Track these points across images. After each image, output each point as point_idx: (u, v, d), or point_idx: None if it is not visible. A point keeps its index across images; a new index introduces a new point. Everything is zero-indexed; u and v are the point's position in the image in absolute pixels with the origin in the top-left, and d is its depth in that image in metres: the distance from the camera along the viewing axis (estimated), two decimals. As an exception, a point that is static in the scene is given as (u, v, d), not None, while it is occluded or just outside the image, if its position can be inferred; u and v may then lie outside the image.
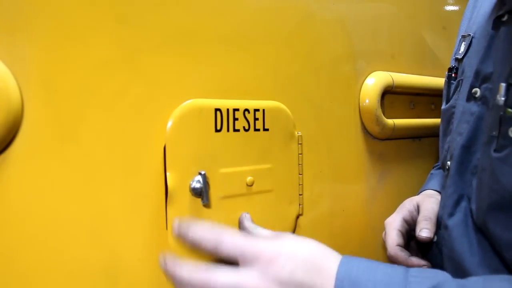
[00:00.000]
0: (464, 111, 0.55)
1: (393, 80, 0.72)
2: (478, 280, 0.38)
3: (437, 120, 0.83)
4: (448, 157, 0.58)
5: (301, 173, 0.59)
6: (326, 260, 0.41)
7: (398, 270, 0.39)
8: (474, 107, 0.53)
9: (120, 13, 0.44)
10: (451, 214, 0.55)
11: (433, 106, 0.84)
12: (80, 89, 0.42)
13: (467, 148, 0.53)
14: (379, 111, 0.70)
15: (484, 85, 0.51)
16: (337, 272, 0.39)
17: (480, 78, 0.52)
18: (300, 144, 0.59)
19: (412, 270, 0.39)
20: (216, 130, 0.50)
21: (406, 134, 0.79)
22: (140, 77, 0.46)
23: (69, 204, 0.42)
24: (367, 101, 0.69)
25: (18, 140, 0.39)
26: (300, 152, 0.59)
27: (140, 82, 0.46)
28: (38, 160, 0.40)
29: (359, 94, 0.70)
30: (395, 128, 0.73)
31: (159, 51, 0.47)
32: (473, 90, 0.53)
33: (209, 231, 0.43)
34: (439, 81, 0.82)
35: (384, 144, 0.75)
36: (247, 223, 0.51)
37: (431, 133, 0.84)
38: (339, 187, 0.67)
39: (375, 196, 0.74)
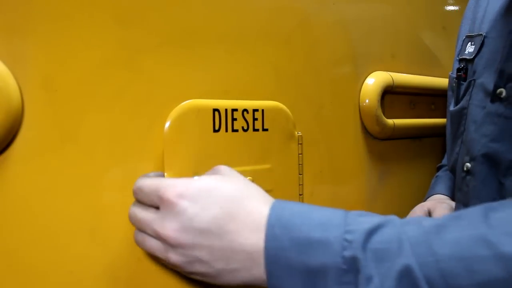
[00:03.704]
0: (488, 112, 0.54)
1: (393, 80, 0.72)
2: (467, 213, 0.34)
3: (437, 120, 0.83)
4: (467, 159, 0.58)
5: (301, 173, 0.59)
6: (251, 203, 0.38)
7: (337, 212, 0.36)
8: (500, 108, 0.52)
9: (120, 13, 0.44)
10: None
11: (433, 106, 0.84)
12: (80, 89, 0.42)
13: (497, 150, 0.52)
14: (379, 111, 0.70)
15: (510, 84, 0.51)
16: (268, 217, 0.36)
17: (505, 78, 0.51)
18: (300, 144, 0.59)
19: (352, 212, 0.37)
20: (215, 131, 0.50)
21: (406, 134, 0.79)
22: (140, 77, 0.46)
23: (69, 204, 0.42)
24: (367, 101, 0.69)
25: (18, 140, 0.39)
26: (300, 152, 0.59)
27: (140, 82, 0.46)
28: (38, 160, 0.40)
29: (359, 94, 0.70)
30: (395, 128, 0.73)
31: (159, 51, 0.47)
32: (498, 90, 0.52)
33: (143, 180, 0.41)
34: (439, 81, 0.82)
35: (384, 144, 0.75)
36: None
37: (431, 133, 0.84)
38: (339, 187, 0.67)
39: (375, 196, 0.74)
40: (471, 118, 0.57)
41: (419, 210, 0.70)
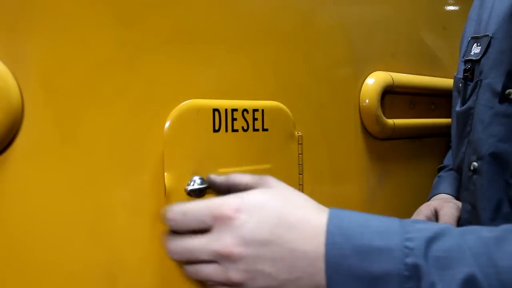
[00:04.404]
0: (496, 113, 0.54)
1: (393, 80, 0.72)
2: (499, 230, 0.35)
3: (437, 120, 0.83)
4: (474, 158, 0.58)
5: (301, 173, 0.59)
6: (307, 212, 0.38)
7: (393, 220, 0.37)
8: (509, 108, 0.52)
9: (120, 13, 0.44)
10: (492, 219, 0.54)
11: (433, 106, 0.84)
12: (80, 89, 0.42)
13: (504, 150, 0.53)
14: (379, 111, 0.69)
15: None
16: (327, 225, 0.36)
17: None
18: (300, 144, 0.59)
19: (407, 220, 0.37)
20: (214, 131, 0.50)
21: (406, 134, 0.79)
22: (140, 77, 0.46)
23: (69, 204, 0.42)
24: (367, 101, 0.69)
25: (18, 140, 0.39)
26: (300, 152, 0.59)
27: (141, 82, 0.46)
28: (38, 160, 0.40)
29: (359, 94, 0.70)
30: (395, 128, 0.73)
31: (159, 51, 0.47)
32: (507, 91, 0.53)
33: (183, 205, 0.40)
34: (439, 81, 0.82)
35: (384, 144, 0.75)
36: (213, 177, 0.45)
37: (431, 133, 0.84)
38: (339, 187, 0.67)
39: (375, 196, 0.74)
40: (478, 118, 0.58)
41: (425, 209, 0.70)
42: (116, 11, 0.44)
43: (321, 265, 0.35)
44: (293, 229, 0.37)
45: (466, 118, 0.61)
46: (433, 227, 0.36)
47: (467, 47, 0.64)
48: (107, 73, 0.44)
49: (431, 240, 0.34)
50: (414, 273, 0.33)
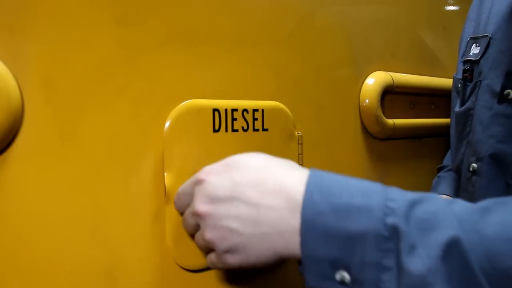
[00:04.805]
0: (495, 113, 0.54)
1: (393, 80, 0.72)
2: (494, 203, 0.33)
3: (437, 120, 0.83)
4: (473, 159, 0.58)
5: (301, 173, 0.59)
6: (282, 171, 0.37)
7: (375, 183, 0.36)
8: (508, 109, 0.52)
9: (120, 13, 0.44)
10: None
11: (433, 106, 0.84)
12: (80, 89, 0.42)
13: (504, 150, 0.53)
14: (379, 111, 0.70)
15: None
16: (306, 183, 0.35)
17: None
18: (300, 144, 0.59)
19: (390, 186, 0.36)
20: (214, 131, 0.50)
21: (406, 134, 0.79)
22: (141, 77, 0.46)
23: (69, 204, 0.42)
24: (367, 101, 0.69)
25: (18, 140, 0.39)
26: (300, 152, 0.59)
27: (141, 82, 0.46)
28: (38, 160, 0.40)
29: (359, 94, 0.70)
30: (395, 128, 0.73)
31: (159, 51, 0.47)
32: (506, 91, 0.53)
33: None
34: (439, 81, 0.82)
35: (384, 144, 0.75)
36: None
37: (431, 133, 0.84)
38: (339, 187, 0.67)
39: (375, 196, 0.74)
40: (477, 118, 0.58)
41: None
42: (116, 11, 0.44)
43: (294, 222, 0.34)
44: (261, 185, 0.37)
45: (465, 119, 0.61)
46: (417, 193, 0.34)
47: (466, 47, 0.64)
48: (107, 73, 0.44)
49: (414, 202, 0.33)
50: (393, 234, 0.32)
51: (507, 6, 0.55)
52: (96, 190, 0.43)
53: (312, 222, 0.33)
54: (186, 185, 0.43)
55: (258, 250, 0.36)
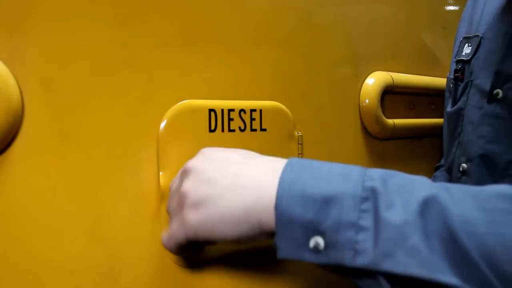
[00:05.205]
0: (485, 113, 0.54)
1: (393, 80, 0.72)
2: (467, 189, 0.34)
3: (437, 120, 0.83)
4: (463, 160, 0.58)
5: (301, 173, 0.59)
6: (263, 159, 0.38)
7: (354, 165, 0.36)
8: (497, 109, 0.52)
9: (120, 13, 0.44)
10: None
11: (433, 106, 0.84)
12: (80, 89, 0.42)
13: (493, 151, 0.52)
14: (379, 111, 0.70)
15: (506, 85, 0.51)
16: (286, 161, 0.36)
17: (502, 78, 0.51)
18: (300, 144, 0.59)
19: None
20: (210, 131, 0.50)
21: (406, 134, 0.79)
22: (141, 77, 0.46)
23: (69, 204, 0.42)
24: (367, 101, 0.69)
25: (18, 140, 0.39)
26: (300, 152, 0.59)
27: (141, 82, 0.46)
28: (39, 160, 0.40)
29: (359, 94, 0.70)
30: (395, 128, 0.73)
31: (159, 51, 0.47)
32: (495, 91, 0.52)
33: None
34: (439, 81, 0.82)
35: (384, 144, 0.75)
36: None
37: (431, 133, 0.84)
38: (339, 187, 0.67)
39: (375, 196, 0.74)
40: (468, 119, 0.57)
41: None
42: (116, 11, 0.44)
43: (271, 179, 0.34)
44: (248, 162, 0.38)
45: (456, 119, 0.61)
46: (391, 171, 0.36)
47: (459, 47, 0.64)
48: (107, 73, 0.44)
49: (391, 175, 0.34)
50: (371, 195, 0.32)
51: (497, 6, 0.55)
52: (96, 190, 0.43)
53: (289, 185, 0.33)
54: (172, 182, 0.44)
55: (226, 202, 0.35)
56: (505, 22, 0.52)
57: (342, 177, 0.33)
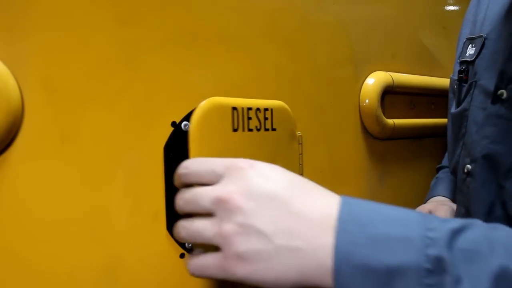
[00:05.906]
0: (489, 114, 0.54)
1: (393, 80, 0.72)
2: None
3: (438, 120, 0.83)
4: (468, 161, 0.58)
5: (301, 173, 0.59)
6: (317, 193, 0.35)
7: (411, 211, 0.33)
8: (501, 109, 0.52)
9: (120, 13, 0.44)
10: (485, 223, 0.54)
11: (433, 106, 0.84)
12: (80, 89, 0.42)
13: (497, 152, 0.52)
14: (379, 111, 0.70)
15: (511, 86, 0.51)
16: (339, 212, 0.32)
17: (506, 79, 0.51)
18: (300, 144, 0.59)
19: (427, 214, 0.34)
20: (234, 130, 0.49)
21: (406, 134, 0.79)
22: (141, 77, 0.46)
23: (69, 204, 0.42)
24: (367, 101, 0.69)
25: (18, 140, 0.39)
26: (300, 152, 0.59)
27: (141, 82, 0.46)
28: (38, 160, 0.40)
29: (359, 94, 0.70)
30: (395, 128, 0.73)
31: (159, 51, 0.47)
32: (499, 92, 0.52)
33: (191, 161, 0.40)
34: (439, 81, 0.82)
35: (384, 144, 0.75)
36: None
37: (431, 133, 0.84)
38: (339, 187, 0.67)
39: (375, 196, 0.74)
40: (472, 119, 0.57)
41: (419, 211, 0.70)
42: (116, 11, 0.44)
43: (326, 240, 0.32)
44: (303, 196, 0.34)
45: (461, 120, 0.61)
46: (458, 220, 0.32)
47: (462, 48, 0.64)
48: (107, 73, 0.44)
49: (456, 231, 0.31)
50: (436, 266, 0.29)
51: (501, 6, 0.55)
52: (96, 190, 0.43)
53: (347, 254, 0.31)
54: (216, 162, 0.38)
55: (283, 265, 0.32)
56: (509, 23, 0.52)
57: (402, 242, 0.30)
